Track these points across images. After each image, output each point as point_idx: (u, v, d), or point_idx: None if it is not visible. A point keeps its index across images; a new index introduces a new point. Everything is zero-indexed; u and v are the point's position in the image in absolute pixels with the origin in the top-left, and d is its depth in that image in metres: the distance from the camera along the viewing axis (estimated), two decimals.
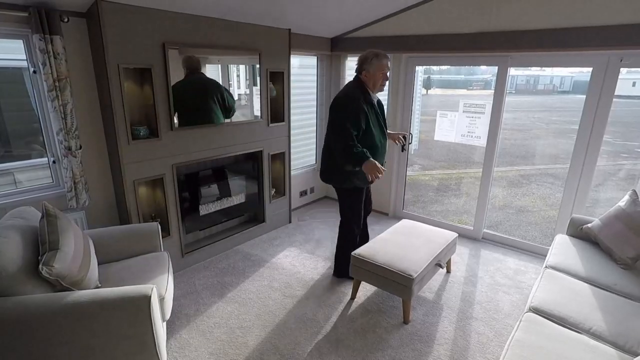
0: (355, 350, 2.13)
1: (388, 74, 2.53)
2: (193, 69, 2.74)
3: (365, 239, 3.02)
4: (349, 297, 2.62)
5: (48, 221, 1.70)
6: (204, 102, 2.87)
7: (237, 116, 3.12)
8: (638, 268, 2.28)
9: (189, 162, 2.82)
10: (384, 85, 2.56)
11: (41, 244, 1.66)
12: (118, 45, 2.26)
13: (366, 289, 2.72)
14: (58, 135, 2.25)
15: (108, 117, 2.41)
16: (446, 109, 3.40)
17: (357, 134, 2.42)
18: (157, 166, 2.63)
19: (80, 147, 2.33)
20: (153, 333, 1.65)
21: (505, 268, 3.08)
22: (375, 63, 2.46)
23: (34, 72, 2.21)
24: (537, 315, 1.84)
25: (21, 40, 2.18)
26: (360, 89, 2.50)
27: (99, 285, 1.86)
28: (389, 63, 2.52)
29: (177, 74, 2.61)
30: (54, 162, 2.43)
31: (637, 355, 1.42)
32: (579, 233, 2.64)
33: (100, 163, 2.59)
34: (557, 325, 1.77)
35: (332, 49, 3.97)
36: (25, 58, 2.22)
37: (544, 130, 12.21)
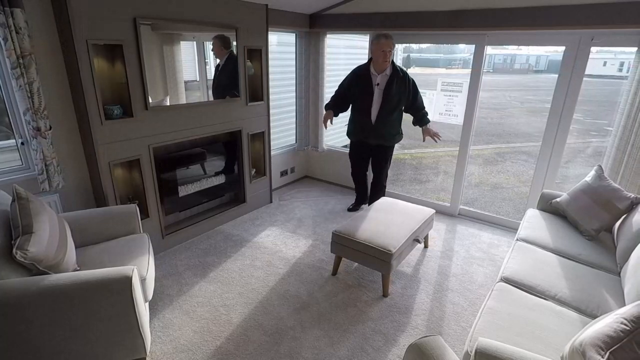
0: (336, 324, 2.20)
1: (389, 52, 2.94)
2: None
3: (373, 196, 3.54)
4: (330, 274, 2.69)
5: (20, 204, 1.65)
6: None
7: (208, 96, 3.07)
8: (601, 239, 2.43)
9: (166, 143, 2.76)
10: (385, 62, 2.96)
11: (14, 228, 1.61)
12: (85, 20, 2.15)
13: (347, 265, 2.79)
14: (25, 116, 2.15)
15: (78, 96, 2.32)
16: (425, 88, 3.44)
17: (342, 92, 3.22)
18: (133, 147, 2.57)
19: (50, 128, 2.24)
20: (136, 314, 1.65)
21: (480, 242, 3.21)
22: (375, 43, 2.95)
23: None
24: (507, 285, 1.95)
25: None
26: (365, 66, 3.09)
27: (78, 268, 1.83)
28: (390, 42, 2.93)
29: (149, 51, 2.51)
30: (22, 143, 2.32)
31: (595, 318, 1.54)
32: (549, 207, 2.76)
33: (73, 144, 2.50)
34: (525, 293, 1.88)
35: (311, 25, 3.89)
36: None
37: (519, 109, 12.51)
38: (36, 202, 1.72)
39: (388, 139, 3.19)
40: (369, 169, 3.63)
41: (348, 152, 3.64)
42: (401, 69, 3.07)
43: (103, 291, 1.58)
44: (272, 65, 3.55)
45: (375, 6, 3.43)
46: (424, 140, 3.18)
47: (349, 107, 3.27)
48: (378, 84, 2.99)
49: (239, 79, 3.17)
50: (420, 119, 3.15)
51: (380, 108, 3.02)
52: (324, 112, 3.36)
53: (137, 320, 1.67)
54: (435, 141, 3.12)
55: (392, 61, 3.02)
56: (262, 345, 2.03)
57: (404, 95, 3.07)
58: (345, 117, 3.41)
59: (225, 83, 3.12)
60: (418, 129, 3.27)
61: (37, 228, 1.62)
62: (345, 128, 3.48)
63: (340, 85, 3.25)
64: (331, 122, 3.29)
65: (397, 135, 3.25)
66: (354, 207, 3.73)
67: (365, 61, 3.22)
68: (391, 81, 2.98)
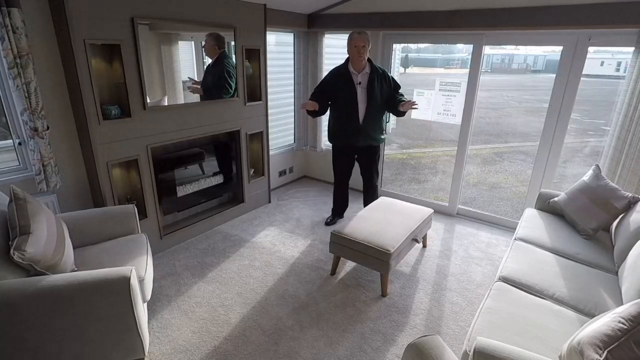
0: (335, 323, 2.20)
1: (362, 47, 2.85)
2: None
3: (369, 198, 3.44)
4: (328, 274, 2.69)
5: (17, 205, 1.64)
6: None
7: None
8: (599, 238, 2.44)
9: (164, 143, 2.75)
10: (360, 57, 2.89)
11: (11, 228, 1.61)
12: (83, 20, 2.14)
13: (345, 265, 2.79)
14: (22, 116, 2.14)
15: (76, 96, 2.31)
16: (423, 88, 3.44)
17: (320, 92, 3.07)
18: (131, 147, 2.56)
19: (48, 128, 2.23)
20: (134, 314, 1.65)
21: (478, 242, 3.21)
22: (348, 40, 2.90)
23: None
24: (506, 284, 1.95)
25: None
26: (343, 65, 3.01)
27: (75, 268, 1.83)
28: (364, 38, 2.85)
29: (147, 51, 2.51)
30: (19, 143, 2.32)
31: (593, 317, 1.54)
32: (547, 207, 2.77)
33: (71, 144, 2.49)
34: (524, 293, 1.88)
35: (309, 25, 3.89)
36: None
37: (516, 108, 12.53)
38: (34, 202, 1.72)
39: (376, 139, 3.14)
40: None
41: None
42: (380, 67, 3.05)
43: (101, 292, 1.57)
44: (270, 65, 3.54)
45: (374, 6, 3.43)
46: (404, 114, 3.04)
47: (327, 108, 3.14)
48: (360, 83, 2.97)
49: (237, 78, 3.16)
50: (399, 98, 3.03)
51: (367, 107, 2.99)
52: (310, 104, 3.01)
53: (135, 321, 1.66)
54: (415, 108, 2.92)
55: (369, 59, 2.99)
56: (260, 346, 2.03)
57: (386, 92, 3.03)
58: None
59: (211, 84, 3.04)
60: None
61: (35, 228, 1.61)
62: None
63: (320, 85, 3.12)
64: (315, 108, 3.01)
65: (383, 135, 3.22)
66: (333, 220, 3.52)
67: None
68: (372, 78, 2.95)
